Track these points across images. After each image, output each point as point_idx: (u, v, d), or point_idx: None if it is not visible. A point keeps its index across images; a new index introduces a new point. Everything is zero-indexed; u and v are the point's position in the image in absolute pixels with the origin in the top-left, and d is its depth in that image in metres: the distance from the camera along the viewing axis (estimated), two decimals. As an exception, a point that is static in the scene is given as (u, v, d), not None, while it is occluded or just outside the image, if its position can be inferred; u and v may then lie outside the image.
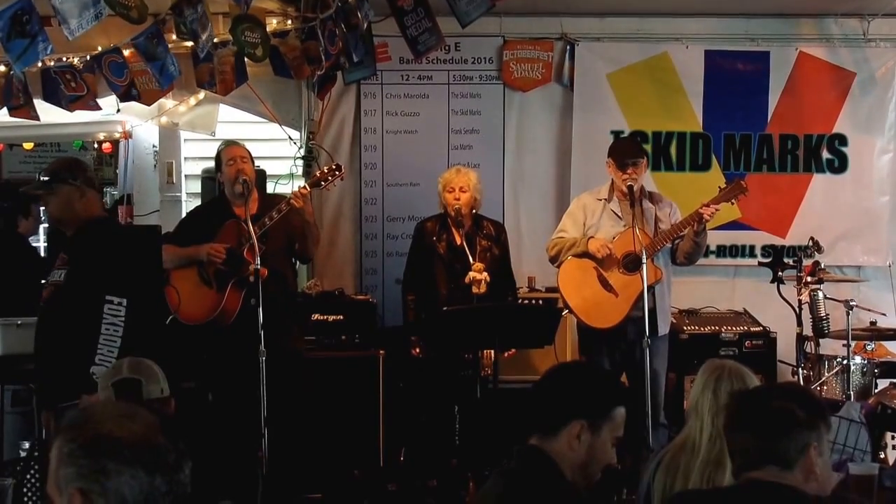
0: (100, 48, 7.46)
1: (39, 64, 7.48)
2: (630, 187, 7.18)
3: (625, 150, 7.45)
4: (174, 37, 6.95)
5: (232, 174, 7.10)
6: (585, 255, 7.32)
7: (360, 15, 7.18)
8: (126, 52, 7.26)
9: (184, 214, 9.34)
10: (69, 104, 7.78)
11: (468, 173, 7.51)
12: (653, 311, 7.14)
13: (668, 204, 7.50)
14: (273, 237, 7.03)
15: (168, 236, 7.38)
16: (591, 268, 7.34)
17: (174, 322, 7.13)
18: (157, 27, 6.70)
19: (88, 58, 7.48)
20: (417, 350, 7.51)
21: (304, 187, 7.10)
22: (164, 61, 6.86)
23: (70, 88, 7.72)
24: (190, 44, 6.89)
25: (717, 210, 7.19)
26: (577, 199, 7.70)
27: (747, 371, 4.19)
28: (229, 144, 7.37)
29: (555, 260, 7.48)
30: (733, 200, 7.42)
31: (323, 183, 7.20)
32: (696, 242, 7.30)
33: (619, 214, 7.36)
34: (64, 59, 7.57)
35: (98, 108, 7.90)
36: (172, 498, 2.27)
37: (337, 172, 7.22)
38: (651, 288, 7.06)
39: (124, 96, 7.68)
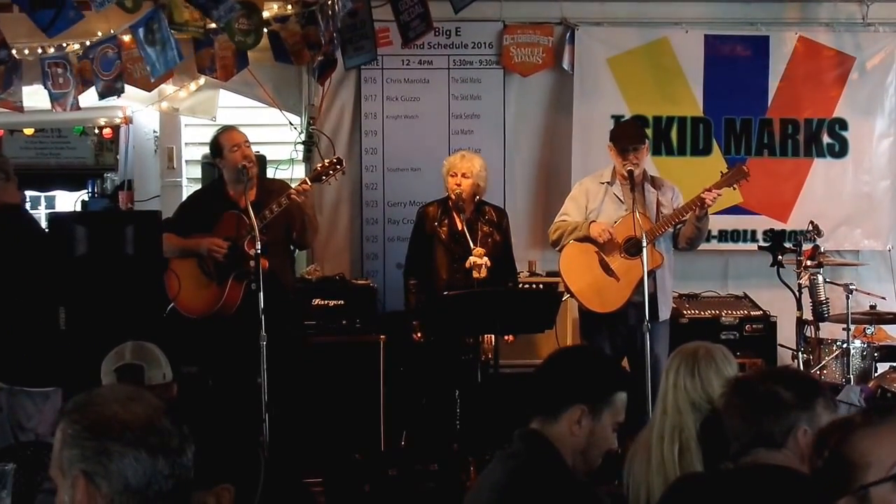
0: (99, 34, 7.48)
1: (40, 51, 7.51)
2: (630, 172, 7.18)
3: (626, 136, 7.43)
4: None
5: (238, 159, 7.05)
6: (587, 239, 7.33)
7: (336, 7, 7.20)
8: (126, 39, 7.27)
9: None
10: (52, 102, 7.83)
11: (472, 159, 7.49)
12: (654, 296, 7.16)
13: (670, 189, 7.50)
14: (272, 228, 7.01)
15: (167, 223, 7.38)
16: (593, 252, 7.36)
17: (173, 311, 7.16)
18: (158, 11, 6.71)
19: (87, 44, 7.50)
20: (419, 335, 7.52)
21: (305, 182, 7.08)
22: (165, 46, 6.86)
23: (56, 85, 7.74)
24: (182, 36, 6.93)
25: (718, 195, 7.19)
26: (579, 184, 7.71)
27: (718, 352, 4.13)
28: (228, 130, 7.32)
29: (556, 244, 7.49)
30: (735, 185, 7.43)
31: (324, 177, 7.17)
32: (698, 227, 7.30)
33: (622, 198, 7.36)
34: (65, 43, 7.59)
35: (77, 108, 7.91)
36: (175, 481, 2.26)
37: (338, 167, 7.18)
38: (652, 273, 7.08)
39: (106, 91, 7.68)
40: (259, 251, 6.57)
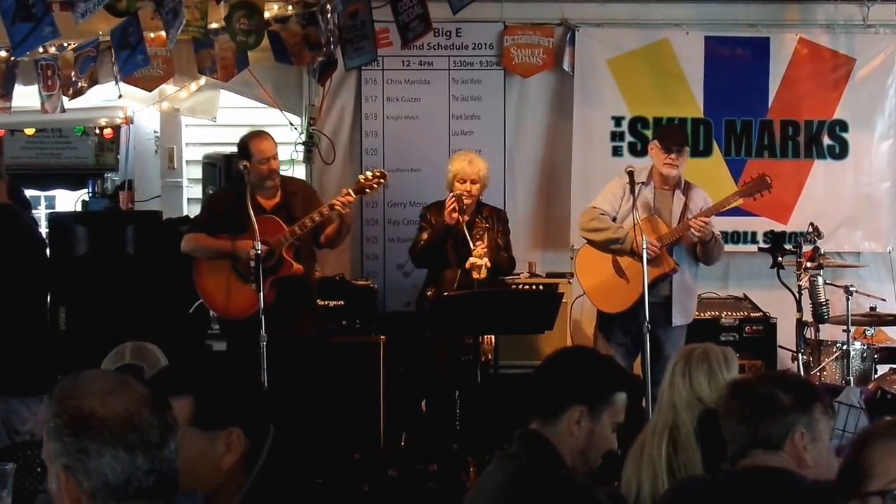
0: (101, 33, 7.49)
1: (41, 50, 7.54)
2: (631, 173, 7.16)
3: (674, 135, 7.53)
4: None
5: (265, 172, 7.03)
6: (630, 252, 7.27)
7: (328, 7, 7.23)
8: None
9: (185, 200, 9.38)
10: (42, 104, 7.88)
11: (479, 163, 7.45)
12: (669, 300, 7.23)
13: (701, 198, 7.39)
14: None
15: (194, 223, 7.37)
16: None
17: (201, 309, 7.21)
18: (135, 17, 6.74)
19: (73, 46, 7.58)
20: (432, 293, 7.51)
21: (349, 193, 7.05)
22: (135, 50, 6.89)
23: (46, 87, 7.78)
24: (182, 36, 6.95)
25: (705, 223, 7.13)
26: (619, 178, 7.50)
27: (714, 353, 4.14)
28: (260, 138, 7.17)
29: (589, 233, 7.42)
30: (757, 195, 7.40)
31: (367, 189, 7.16)
32: (703, 249, 7.31)
33: (652, 202, 7.34)
34: (66, 44, 7.61)
35: (63, 110, 7.96)
36: (157, 476, 2.25)
37: (381, 180, 7.17)
38: (668, 277, 7.16)
39: (76, 94, 7.75)
40: (258, 252, 6.58)
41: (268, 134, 7.27)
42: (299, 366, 6.87)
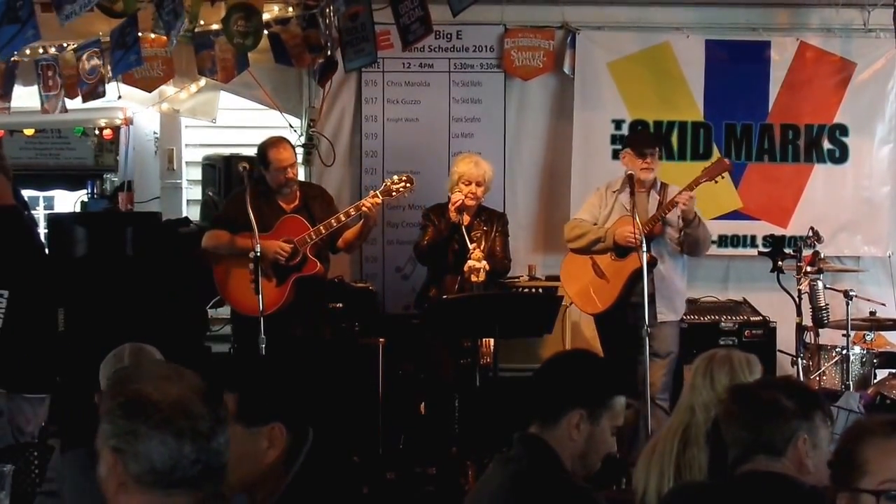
0: (101, 33, 7.49)
1: (41, 50, 7.53)
2: (631, 176, 7.19)
3: (644, 139, 7.63)
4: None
5: (282, 181, 7.14)
6: (612, 248, 7.33)
7: (329, 10, 7.23)
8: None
9: (184, 201, 9.37)
10: (42, 104, 7.87)
11: (485, 166, 7.45)
12: (652, 297, 7.18)
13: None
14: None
15: (216, 220, 7.37)
16: (587, 257, 7.43)
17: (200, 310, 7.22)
18: (134, 18, 6.74)
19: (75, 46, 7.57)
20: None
21: (376, 195, 7.11)
22: (129, 50, 6.90)
23: (47, 87, 7.77)
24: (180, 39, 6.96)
25: (691, 197, 7.20)
26: (597, 189, 7.71)
27: (738, 357, 4.17)
28: (279, 146, 7.20)
29: (572, 242, 7.55)
30: (717, 178, 7.44)
31: (394, 193, 7.22)
32: (687, 234, 7.33)
33: (627, 206, 7.36)
34: (66, 44, 7.60)
35: (65, 110, 7.95)
36: (202, 467, 2.26)
37: (409, 185, 7.23)
38: (649, 274, 7.11)
39: (88, 96, 7.75)
40: (258, 253, 6.60)
41: (287, 142, 7.33)
42: (314, 367, 6.99)
